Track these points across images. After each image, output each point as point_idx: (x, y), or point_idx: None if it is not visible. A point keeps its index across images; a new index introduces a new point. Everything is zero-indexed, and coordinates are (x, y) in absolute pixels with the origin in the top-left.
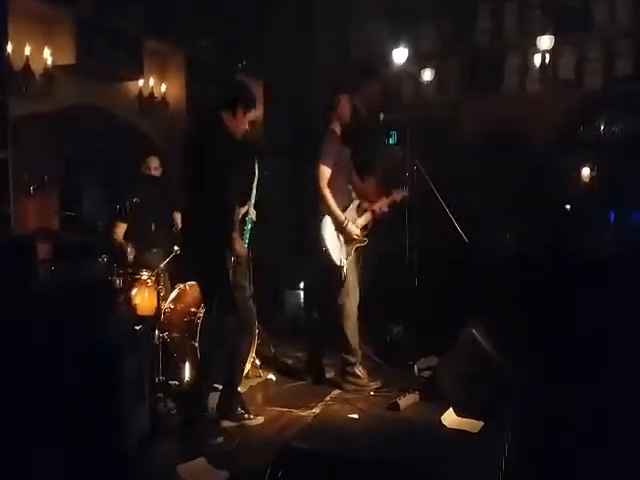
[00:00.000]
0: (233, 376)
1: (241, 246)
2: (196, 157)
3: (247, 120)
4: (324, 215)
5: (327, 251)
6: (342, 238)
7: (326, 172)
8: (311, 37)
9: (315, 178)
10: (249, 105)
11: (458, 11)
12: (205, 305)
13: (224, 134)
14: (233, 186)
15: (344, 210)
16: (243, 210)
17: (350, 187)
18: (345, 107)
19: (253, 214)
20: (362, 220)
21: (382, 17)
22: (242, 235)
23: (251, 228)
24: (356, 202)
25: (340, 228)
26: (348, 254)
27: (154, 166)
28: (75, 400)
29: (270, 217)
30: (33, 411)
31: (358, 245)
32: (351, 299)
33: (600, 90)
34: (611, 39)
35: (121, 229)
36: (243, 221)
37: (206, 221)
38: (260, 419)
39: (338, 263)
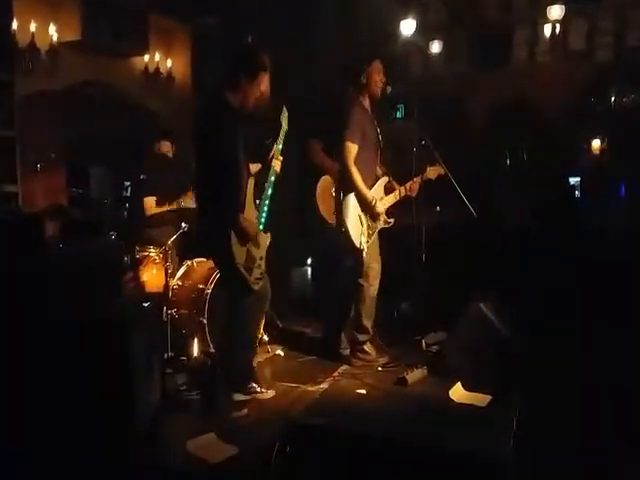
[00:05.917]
0: (241, 349)
1: (250, 225)
2: (200, 137)
3: (256, 91)
4: (347, 193)
5: (347, 231)
6: (365, 219)
7: (352, 148)
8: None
9: (340, 155)
10: (254, 73)
11: None
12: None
13: (223, 108)
14: (233, 166)
15: (370, 189)
16: (254, 169)
17: (378, 164)
18: (376, 76)
19: (276, 166)
20: (389, 199)
21: None
22: (258, 206)
23: (271, 193)
24: (384, 179)
25: (367, 208)
26: (370, 236)
27: (166, 147)
28: (84, 377)
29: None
30: (40, 389)
31: (383, 226)
32: (370, 281)
33: (611, 61)
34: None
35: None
36: (261, 188)
37: (213, 202)
38: (272, 393)
39: (358, 245)
